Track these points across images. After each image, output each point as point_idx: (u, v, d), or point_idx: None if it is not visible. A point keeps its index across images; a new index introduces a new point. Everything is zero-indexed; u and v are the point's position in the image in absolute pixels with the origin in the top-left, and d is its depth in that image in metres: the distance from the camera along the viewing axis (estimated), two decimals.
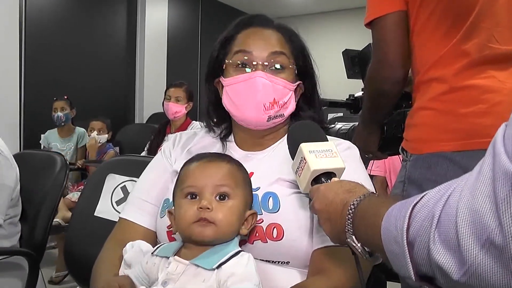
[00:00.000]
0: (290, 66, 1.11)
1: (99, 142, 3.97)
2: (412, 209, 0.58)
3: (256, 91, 1.07)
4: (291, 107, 1.12)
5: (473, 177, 0.52)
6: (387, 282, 1.86)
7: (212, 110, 1.19)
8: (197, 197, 0.92)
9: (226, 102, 1.12)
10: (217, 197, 0.92)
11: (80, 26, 5.32)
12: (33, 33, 4.71)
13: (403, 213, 0.59)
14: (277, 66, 1.09)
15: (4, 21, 4.07)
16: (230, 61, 1.11)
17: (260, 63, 1.08)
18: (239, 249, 0.91)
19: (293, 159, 0.91)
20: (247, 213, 0.95)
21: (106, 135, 4.03)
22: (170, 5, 6.37)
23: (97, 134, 3.97)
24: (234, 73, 1.10)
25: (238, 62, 1.10)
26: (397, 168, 1.38)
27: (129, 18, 5.97)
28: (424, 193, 0.59)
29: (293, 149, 0.91)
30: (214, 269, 0.84)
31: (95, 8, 5.55)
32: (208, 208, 0.89)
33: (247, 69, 1.09)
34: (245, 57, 1.09)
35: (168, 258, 0.90)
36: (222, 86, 1.13)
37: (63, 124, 4.11)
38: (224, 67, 1.13)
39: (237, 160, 1.02)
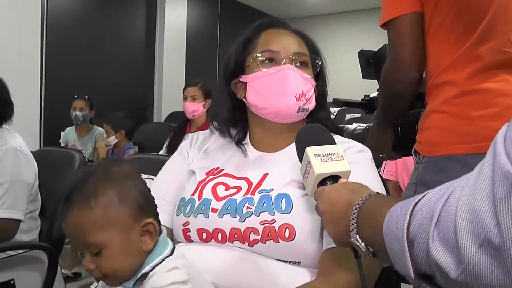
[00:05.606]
0: (310, 66, 1.15)
1: (109, 144, 3.93)
2: (413, 207, 0.58)
3: (289, 81, 1.09)
4: (313, 103, 1.14)
5: (474, 176, 0.53)
6: (401, 284, 1.84)
7: (230, 113, 1.19)
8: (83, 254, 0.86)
9: (251, 97, 1.12)
10: (93, 255, 0.84)
11: (100, 26, 5.39)
12: (54, 33, 4.80)
13: (404, 211, 0.59)
14: (301, 63, 1.12)
15: (26, 21, 4.14)
16: (258, 58, 1.12)
17: (287, 58, 1.10)
18: (151, 266, 0.85)
19: (301, 162, 0.90)
20: (139, 225, 0.86)
21: (113, 137, 3.92)
22: (190, 5, 6.41)
23: (101, 139, 4.00)
24: (261, 68, 1.12)
25: (264, 58, 1.12)
26: (411, 170, 1.37)
27: (148, 18, 6.02)
28: (426, 192, 0.59)
29: (300, 153, 0.90)
30: None
31: (114, 8, 5.62)
32: (93, 269, 0.85)
33: (273, 63, 1.11)
34: (272, 55, 1.11)
35: None
36: (242, 86, 1.15)
37: (80, 123, 4.19)
38: (246, 66, 1.14)
39: (104, 186, 0.86)
